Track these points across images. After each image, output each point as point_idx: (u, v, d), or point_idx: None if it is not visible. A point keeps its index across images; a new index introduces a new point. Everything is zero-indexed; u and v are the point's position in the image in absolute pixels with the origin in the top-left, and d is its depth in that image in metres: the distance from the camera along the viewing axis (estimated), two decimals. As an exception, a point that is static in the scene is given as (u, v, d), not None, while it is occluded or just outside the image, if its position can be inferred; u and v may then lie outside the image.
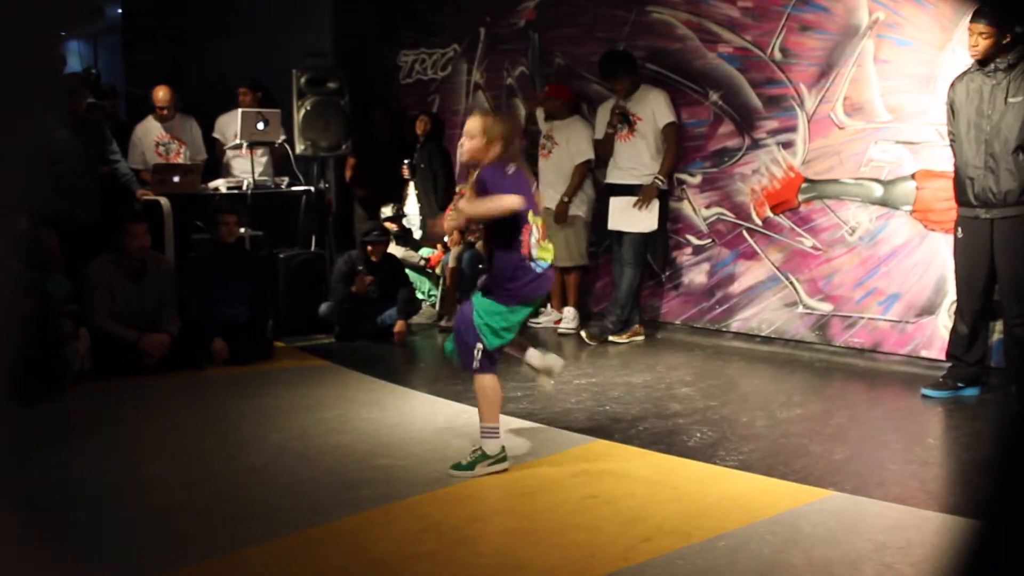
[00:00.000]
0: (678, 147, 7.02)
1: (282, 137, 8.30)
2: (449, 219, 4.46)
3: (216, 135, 8.74)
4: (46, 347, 5.57)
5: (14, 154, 0.97)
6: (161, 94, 8.14)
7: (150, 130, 8.19)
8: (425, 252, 8.62)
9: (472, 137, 4.17)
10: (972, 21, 5.06)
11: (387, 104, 9.47)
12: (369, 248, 7.37)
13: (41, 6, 0.96)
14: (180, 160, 8.05)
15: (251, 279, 6.82)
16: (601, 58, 7.21)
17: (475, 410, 5.02)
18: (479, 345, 4.14)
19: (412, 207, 9.07)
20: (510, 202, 4.03)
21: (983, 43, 4.97)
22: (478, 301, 4.20)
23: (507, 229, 4.14)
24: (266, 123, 7.91)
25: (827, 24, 6.34)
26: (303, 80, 8.30)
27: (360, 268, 7.37)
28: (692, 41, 7.12)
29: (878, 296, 6.19)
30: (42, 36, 0.97)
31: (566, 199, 7.35)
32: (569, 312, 7.54)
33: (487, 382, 4.20)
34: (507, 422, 4.88)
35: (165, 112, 8.16)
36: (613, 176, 7.14)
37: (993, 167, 5.00)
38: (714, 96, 7.01)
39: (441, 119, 9.08)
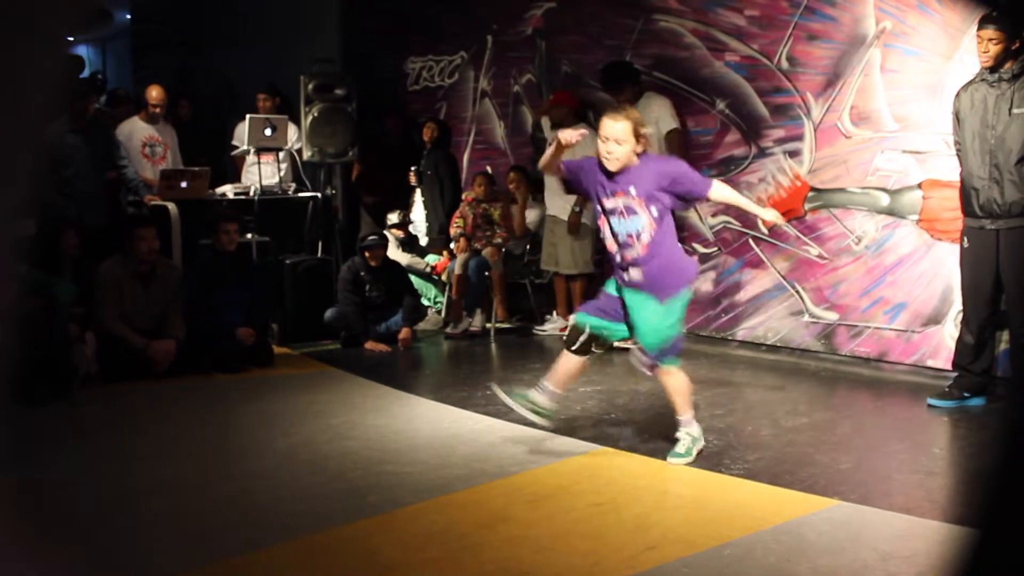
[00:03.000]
0: (682, 154, 6.99)
1: (294, 143, 8.34)
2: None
3: (236, 142, 8.71)
4: (52, 350, 5.59)
5: (22, 157, 0.98)
6: (155, 93, 8.03)
7: (136, 131, 8.03)
8: (431, 259, 8.63)
9: (622, 142, 4.23)
10: (980, 28, 5.04)
11: (394, 111, 9.49)
12: (367, 254, 7.38)
13: (49, 10, 0.96)
14: (166, 163, 7.97)
15: (251, 287, 6.83)
16: (602, 70, 7.21)
17: (480, 417, 5.04)
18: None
19: (418, 214, 9.09)
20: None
21: (993, 49, 4.96)
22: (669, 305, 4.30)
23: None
24: (273, 129, 7.94)
25: (834, 33, 6.34)
26: (311, 86, 8.33)
27: (363, 274, 7.38)
28: (699, 50, 7.13)
29: (884, 305, 6.19)
30: (50, 39, 0.97)
31: (577, 209, 7.34)
32: (575, 320, 7.53)
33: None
34: (512, 429, 4.89)
35: (157, 111, 8.04)
36: (618, 184, 7.14)
37: (998, 178, 4.99)
38: (721, 105, 7.02)
39: (448, 126, 9.10)
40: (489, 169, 8.62)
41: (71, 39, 12.66)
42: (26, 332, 5.24)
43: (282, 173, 8.33)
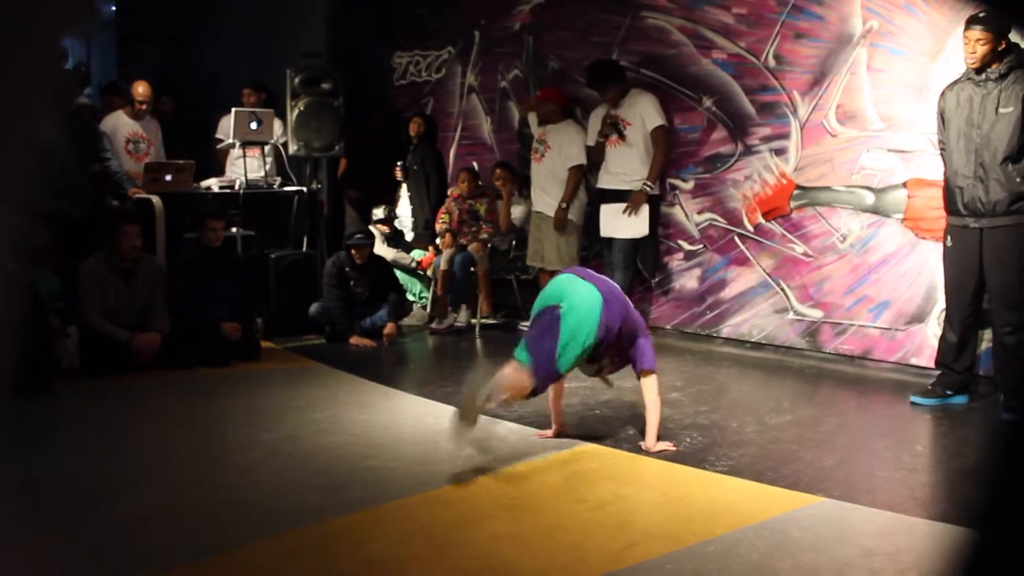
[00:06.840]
0: (667, 151, 7.02)
1: (279, 137, 8.30)
2: None
3: (220, 135, 8.65)
4: (35, 344, 5.55)
5: (14, 153, 0.97)
6: (141, 89, 7.95)
7: (120, 126, 7.96)
8: (416, 254, 8.62)
9: None
10: (967, 29, 5.05)
11: (380, 105, 9.47)
12: (353, 252, 7.36)
13: (41, 5, 0.95)
14: (149, 159, 7.88)
15: (237, 282, 6.80)
16: (587, 68, 7.22)
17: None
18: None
19: (404, 209, 9.08)
20: None
21: (981, 50, 4.97)
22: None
23: None
24: (259, 123, 7.90)
25: (821, 32, 6.36)
26: (297, 80, 8.29)
27: (348, 269, 7.36)
28: (686, 47, 7.13)
29: (868, 303, 6.21)
30: (43, 35, 0.96)
31: (564, 205, 7.33)
32: (560, 316, 7.53)
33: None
34: (496, 426, 4.88)
35: (143, 107, 7.98)
36: (604, 181, 7.15)
37: (982, 177, 5.01)
38: (707, 102, 7.03)
39: (435, 121, 9.09)
40: (475, 165, 8.61)
41: (64, 34, 12.57)
42: (18, 328, 5.21)
43: (267, 167, 8.30)
